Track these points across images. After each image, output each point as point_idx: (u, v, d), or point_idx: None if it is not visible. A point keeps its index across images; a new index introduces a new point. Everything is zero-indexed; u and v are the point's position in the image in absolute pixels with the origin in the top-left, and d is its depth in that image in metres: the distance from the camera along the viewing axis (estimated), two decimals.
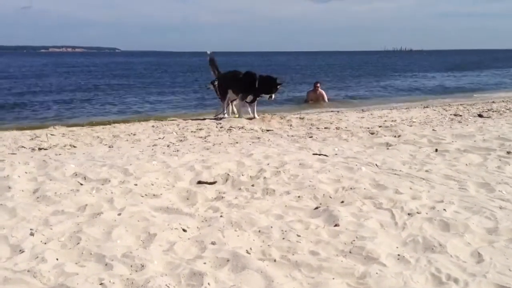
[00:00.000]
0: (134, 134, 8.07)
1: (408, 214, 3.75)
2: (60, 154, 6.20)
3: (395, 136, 7.13)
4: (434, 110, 11.12)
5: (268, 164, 5.30)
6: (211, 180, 4.78)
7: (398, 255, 3.06)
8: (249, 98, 10.12)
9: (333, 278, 2.80)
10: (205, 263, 2.98)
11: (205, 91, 16.20)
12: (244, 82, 10.07)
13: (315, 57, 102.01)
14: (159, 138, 7.64)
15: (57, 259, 3.02)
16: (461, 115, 9.72)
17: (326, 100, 15.68)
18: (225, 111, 10.45)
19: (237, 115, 10.34)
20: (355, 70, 41.20)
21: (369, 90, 21.46)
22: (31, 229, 3.46)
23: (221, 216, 3.74)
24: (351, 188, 4.40)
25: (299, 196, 4.25)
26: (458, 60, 67.04)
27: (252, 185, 4.61)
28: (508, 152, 5.78)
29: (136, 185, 4.58)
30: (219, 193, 4.44)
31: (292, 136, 7.58)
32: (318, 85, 15.79)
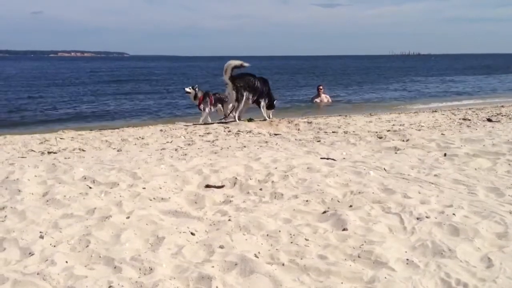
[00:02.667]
0: (142, 138, 8.11)
1: (417, 218, 3.72)
2: (69, 158, 6.24)
3: (403, 141, 7.10)
4: (443, 114, 11.07)
5: (276, 168, 5.29)
6: (219, 184, 4.79)
7: (407, 259, 3.04)
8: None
9: (342, 283, 2.79)
10: (213, 266, 2.98)
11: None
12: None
13: (325, 61, 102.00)
14: (167, 142, 7.67)
15: (66, 262, 3.04)
16: (470, 120, 9.67)
17: (330, 100, 15.90)
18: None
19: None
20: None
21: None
22: (40, 232, 3.49)
23: (229, 220, 3.75)
24: (359, 192, 4.39)
25: (307, 200, 4.24)
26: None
27: (260, 189, 4.61)
28: None
29: (144, 188, 4.60)
30: (227, 197, 4.44)
31: (300, 140, 7.57)
32: (321, 87, 15.99)
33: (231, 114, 10.45)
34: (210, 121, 10.48)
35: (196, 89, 10.64)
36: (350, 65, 72.75)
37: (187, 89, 10.66)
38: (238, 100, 10.05)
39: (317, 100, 15.76)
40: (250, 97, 10.23)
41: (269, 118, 10.54)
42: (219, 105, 10.93)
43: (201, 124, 10.02)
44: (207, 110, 10.66)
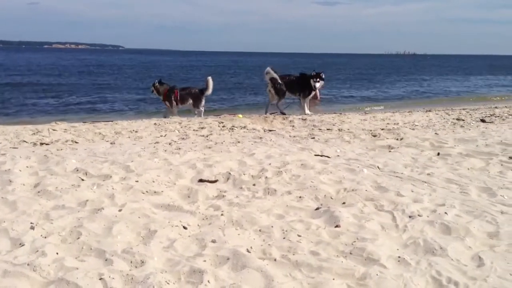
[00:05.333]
0: (136, 131, 8.07)
1: (409, 216, 3.73)
2: (61, 149, 6.20)
3: (397, 139, 7.12)
4: (437, 114, 11.10)
5: (269, 164, 5.29)
6: (213, 179, 4.77)
7: (399, 257, 3.05)
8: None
9: (333, 279, 2.79)
10: (205, 260, 2.98)
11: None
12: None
13: (322, 59, 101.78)
14: (161, 136, 7.63)
15: (57, 253, 3.02)
16: (463, 120, 9.70)
17: (318, 96, 15.82)
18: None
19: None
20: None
21: None
22: (31, 223, 3.46)
23: (222, 215, 3.74)
24: (352, 190, 4.39)
25: (300, 197, 4.24)
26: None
27: (254, 185, 4.61)
28: (510, 157, 5.76)
29: (137, 181, 4.58)
30: (220, 191, 4.43)
31: (294, 136, 7.57)
32: None
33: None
34: (170, 116, 10.68)
35: (157, 84, 10.94)
36: (353, 63, 72.76)
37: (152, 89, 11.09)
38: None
39: None
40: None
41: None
42: (191, 101, 10.94)
43: (195, 118, 10.02)
44: (172, 106, 10.87)
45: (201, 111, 10.95)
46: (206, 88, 10.98)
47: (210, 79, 11.00)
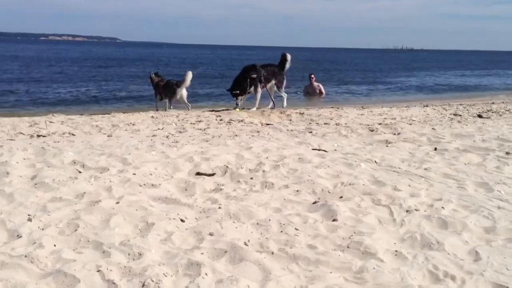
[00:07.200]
0: (133, 124, 8.05)
1: (407, 211, 3.74)
2: (58, 142, 6.18)
3: (394, 134, 7.12)
4: (434, 109, 11.11)
5: (267, 157, 5.29)
6: (210, 172, 4.77)
7: (396, 251, 3.06)
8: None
9: (330, 272, 2.79)
10: (202, 253, 2.98)
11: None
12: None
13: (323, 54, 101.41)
14: (158, 129, 7.62)
15: (54, 245, 3.02)
16: (460, 115, 9.72)
17: (324, 92, 15.82)
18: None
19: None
20: None
21: None
22: (28, 215, 3.45)
23: (219, 208, 3.74)
24: (350, 184, 4.40)
25: (297, 190, 4.24)
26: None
27: (251, 178, 4.61)
28: (507, 153, 5.78)
29: (134, 174, 4.57)
30: (218, 185, 4.43)
31: (291, 130, 7.57)
32: (313, 76, 15.95)
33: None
34: (166, 109, 10.72)
35: (153, 75, 11.12)
36: (352, 58, 72.55)
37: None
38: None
39: (309, 89, 15.76)
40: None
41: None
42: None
43: (192, 111, 10.01)
44: (157, 98, 11.03)
45: (184, 100, 10.93)
46: (183, 80, 10.72)
47: (189, 73, 10.80)
